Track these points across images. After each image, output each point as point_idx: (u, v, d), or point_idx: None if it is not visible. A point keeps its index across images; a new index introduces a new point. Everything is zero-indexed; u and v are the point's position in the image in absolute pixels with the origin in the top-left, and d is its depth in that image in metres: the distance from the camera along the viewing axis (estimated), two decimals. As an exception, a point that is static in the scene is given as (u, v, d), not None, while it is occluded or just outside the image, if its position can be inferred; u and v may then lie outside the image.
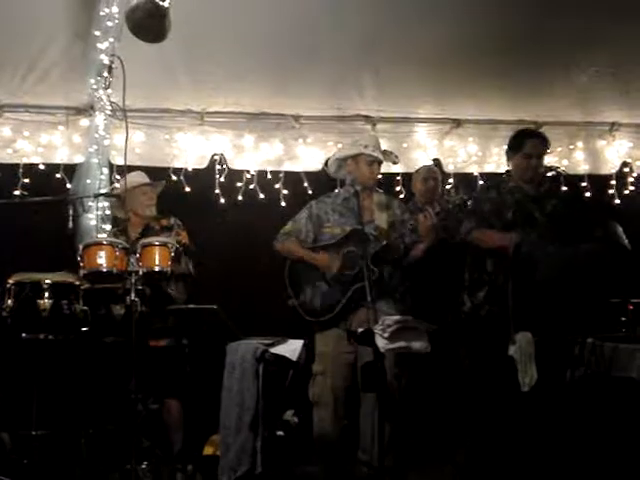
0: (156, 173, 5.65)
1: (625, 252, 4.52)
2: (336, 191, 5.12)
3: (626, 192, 6.64)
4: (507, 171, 4.93)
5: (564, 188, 5.29)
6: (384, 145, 5.19)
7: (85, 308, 4.29)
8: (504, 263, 4.48)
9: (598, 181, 6.59)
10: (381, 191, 5.07)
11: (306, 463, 4.85)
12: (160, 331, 4.70)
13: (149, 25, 4.23)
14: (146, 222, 5.29)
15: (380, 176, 5.04)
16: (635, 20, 5.27)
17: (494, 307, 4.52)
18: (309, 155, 6.22)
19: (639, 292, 5.27)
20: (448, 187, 5.98)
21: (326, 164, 6.04)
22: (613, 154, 6.63)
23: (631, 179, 6.68)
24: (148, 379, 4.38)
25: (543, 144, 4.75)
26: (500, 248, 4.51)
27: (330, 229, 4.83)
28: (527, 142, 4.72)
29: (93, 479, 4.36)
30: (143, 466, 4.21)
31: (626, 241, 4.55)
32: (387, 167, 5.30)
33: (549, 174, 4.68)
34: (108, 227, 5.10)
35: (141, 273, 4.25)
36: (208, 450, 4.98)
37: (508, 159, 4.86)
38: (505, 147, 6.28)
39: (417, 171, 5.86)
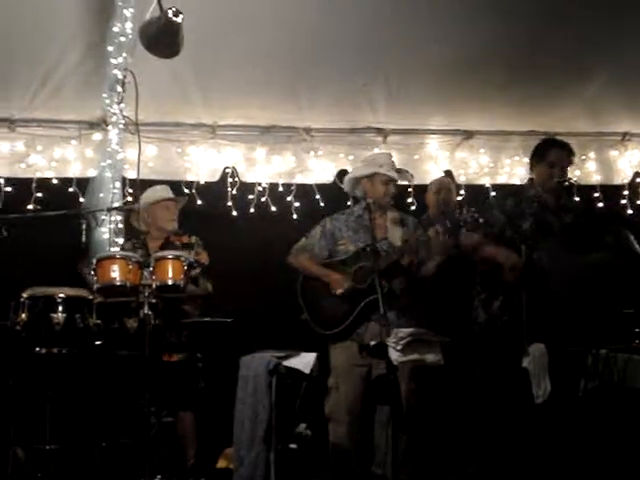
0: (169, 186, 5.66)
1: (637, 259, 4.51)
2: (350, 208, 5.12)
3: (639, 202, 6.61)
4: (530, 179, 4.92)
5: (576, 199, 5.28)
6: (395, 157, 5.19)
7: (98, 322, 4.30)
8: (518, 275, 4.46)
9: (610, 191, 6.57)
10: (393, 205, 5.05)
11: (319, 476, 4.84)
12: (173, 346, 4.70)
13: (162, 41, 4.25)
14: (166, 237, 5.30)
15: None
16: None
17: (509, 319, 4.50)
18: (320, 167, 6.23)
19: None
20: (459, 201, 5.95)
21: (338, 176, 6.08)
22: (625, 164, 6.61)
23: (644, 189, 6.66)
24: (162, 392, 4.37)
25: (568, 154, 4.72)
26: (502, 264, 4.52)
27: (344, 246, 4.83)
28: (551, 151, 4.69)
29: (107, 493, 4.37)
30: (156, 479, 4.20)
31: (638, 247, 4.54)
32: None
33: (564, 184, 4.66)
34: (121, 241, 5.11)
35: (154, 287, 4.25)
36: (222, 463, 4.98)
37: (531, 167, 4.83)
38: (517, 158, 6.39)
39: (430, 184, 5.86)
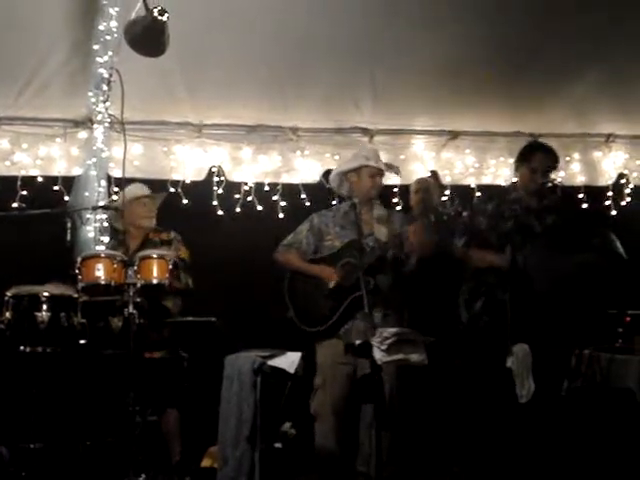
0: (154, 185, 5.66)
1: (621, 261, 4.53)
2: (337, 205, 5.13)
3: (622, 203, 6.65)
4: (514, 182, 4.95)
5: (560, 200, 5.30)
6: (381, 157, 5.20)
7: (83, 321, 4.29)
8: (501, 276, 4.48)
9: (595, 193, 6.60)
10: (379, 202, 5.06)
11: (304, 475, 4.84)
12: (155, 343, 4.70)
13: (147, 39, 4.25)
14: (145, 234, 5.30)
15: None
16: (631, 33, 5.32)
17: (491, 318, 4.52)
18: (307, 167, 6.23)
19: (636, 304, 5.28)
20: (444, 199, 5.96)
21: (324, 176, 6.08)
22: (609, 166, 6.63)
23: (627, 190, 6.68)
24: (145, 391, 4.37)
25: (551, 159, 4.73)
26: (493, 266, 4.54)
27: (331, 242, 4.84)
28: (535, 155, 4.70)
29: (91, 492, 4.36)
30: (141, 478, 4.18)
31: (622, 250, 4.56)
32: (385, 179, 5.31)
33: (546, 186, 4.68)
34: (106, 239, 5.10)
35: (139, 286, 4.25)
36: (206, 462, 4.97)
37: (515, 169, 4.86)
38: (502, 159, 6.41)
39: (412, 183, 5.90)
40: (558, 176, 5.87)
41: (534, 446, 4.34)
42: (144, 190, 5.36)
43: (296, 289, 4.84)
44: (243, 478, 4.55)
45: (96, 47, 4.89)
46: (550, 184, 4.65)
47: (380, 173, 4.88)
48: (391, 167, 5.03)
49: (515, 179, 4.90)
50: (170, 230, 5.36)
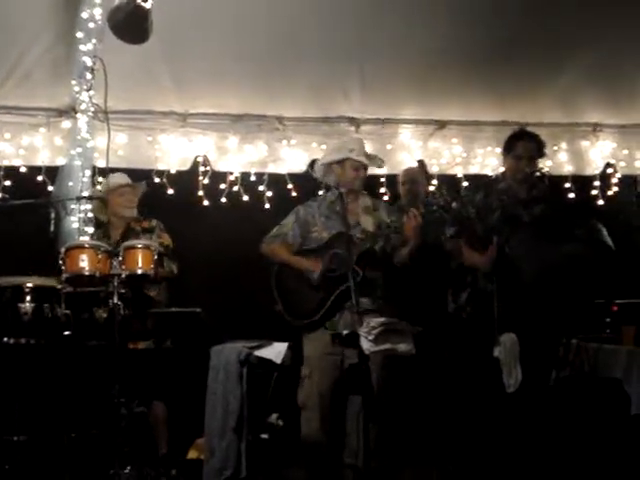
0: (139, 175, 5.62)
1: (609, 252, 4.53)
2: (322, 195, 5.10)
3: (610, 193, 6.65)
4: (503, 172, 4.94)
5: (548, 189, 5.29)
6: (368, 147, 5.18)
7: (67, 312, 4.26)
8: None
9: (582, 182, 6.60)
10: (365, 193, 5.04)
11: (291, 466, 4.83)
12: (139, 334, 4.67)
13: (131, 26, 4.21)
14: (127, 224, 5.27)
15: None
16: (618, 22, 5.31)
17: (477, 309, 4.51)
18: (293, 157, 6.20)
19: (623, 293, 5.29)
20: (432, 189, 5.95)
21: (310, 166, 6.05)
22: (597, 155, 6.64)
23: (615, 180, 6.68)
24: (132, 382, 4.34)
25: (535, 146, 4.71)
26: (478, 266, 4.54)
27: (317, 233, 4.81)
28: (518, 144, 4.69)
29: (76, 484, 4.33)
30: (127, 470, 4.16)
31: (610, 241, 4.56)
32: (372, 169, 5.28)
33: (535, 175, 4.67)
34: (90, 230, 5.05)
35: (124, 276, 4.21)
36: (192, 454, 4.97)
37: (503, 160, 4.85)
38: (489, 148, 6.41)
39: (400, 174, 5.89)
40: (546, 165, 5.89)
41: (522, 435, 4.33)
42: (125, 179, 5.34)
43: (283, 282, 4.81)
44: (230, 469, 4.55)
45: (79, 35, 4.83)
46: (538, 173, 4.64)
47: (364, 166, 4.85)
48: (374, 160, 5.00)
49: (503, 169, 4.89)
50: (151, 218, 5.32)
